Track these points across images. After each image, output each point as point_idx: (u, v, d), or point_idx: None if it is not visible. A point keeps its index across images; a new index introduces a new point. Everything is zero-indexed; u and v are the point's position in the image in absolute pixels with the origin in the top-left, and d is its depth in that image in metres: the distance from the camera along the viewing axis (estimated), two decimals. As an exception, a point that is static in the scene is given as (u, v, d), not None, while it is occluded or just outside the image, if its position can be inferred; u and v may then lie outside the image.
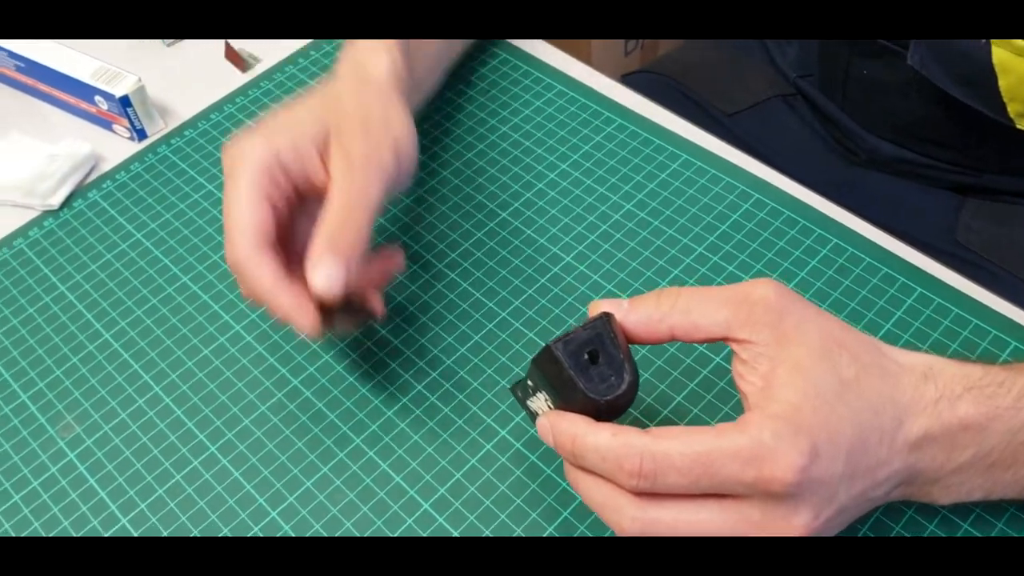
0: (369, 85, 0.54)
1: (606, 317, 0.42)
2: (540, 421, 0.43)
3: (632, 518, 0.39)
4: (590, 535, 0.49)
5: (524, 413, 0.52)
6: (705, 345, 0.55)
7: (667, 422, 0.53)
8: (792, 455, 0.37)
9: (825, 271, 0.59)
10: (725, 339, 0.42)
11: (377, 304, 0.52)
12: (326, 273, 0.46)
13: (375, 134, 0.50)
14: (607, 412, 0.42)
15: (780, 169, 0.65)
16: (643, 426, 0.45)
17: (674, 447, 0.38)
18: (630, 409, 0.52)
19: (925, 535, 0.48)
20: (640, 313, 0.43)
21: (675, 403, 0.53)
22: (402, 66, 0.57)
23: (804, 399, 0.39)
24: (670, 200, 0.63)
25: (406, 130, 0.52)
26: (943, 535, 0.48)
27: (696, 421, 0.53)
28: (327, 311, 0.48)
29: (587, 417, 0.41)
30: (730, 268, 0.59)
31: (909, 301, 0.56)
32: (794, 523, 0.38)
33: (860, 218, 0.61)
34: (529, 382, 0.46)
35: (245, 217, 0.48)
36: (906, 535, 0.48)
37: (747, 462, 0.37)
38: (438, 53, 0.65)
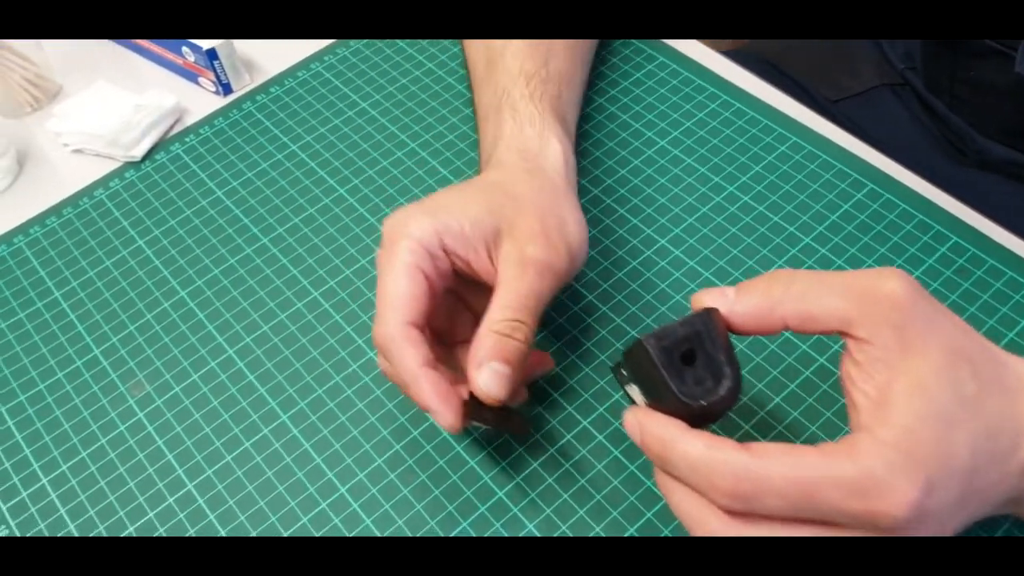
0: (544, 180, 0.51)
1: (708, 313, 0.39)
2: (628, 418, 0.40)
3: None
4: (674, 536, 0.46)
5: (620, 394, 0.50)
6: (812, 342, 0.52)
7: (763, 425, 0.49)
8: (906, 490, 0.34)
9: (943, 271, 0.54)
10: (841, 334, 0.38)
11: (521, 392, 0.49)
12: (492, 377, 0.44)
13: (553, 239, 0.47)
14: (701, 418, 0.38)
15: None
16: (737, 428, 0.42)
17: (775, 469, 0.35)
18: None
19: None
20: (748, 302, 0.39)
21: (773, 405, 0.50)
22: (569, 149, 0.54)
23: (923, 424, 0.35)
24: (776, 185, 0.59)
25: (581, 233, 0.50)
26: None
27: (796, 426, 0.49)
28: (472, 406, 0.45)
29: (679, 421, 0.38)
30: (838, 262, 0.55)
31: (1037, 309, 0.52)
32: None
33: (986, 216, 0.57)
34: (623, 371, 0.43)
35: (400, 290, 0.45)
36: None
37: (854, 493, 0.34)
38: (578, 101, 0.61)
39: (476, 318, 0.48)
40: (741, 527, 0.36)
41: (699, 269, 0.55)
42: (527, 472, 0.48)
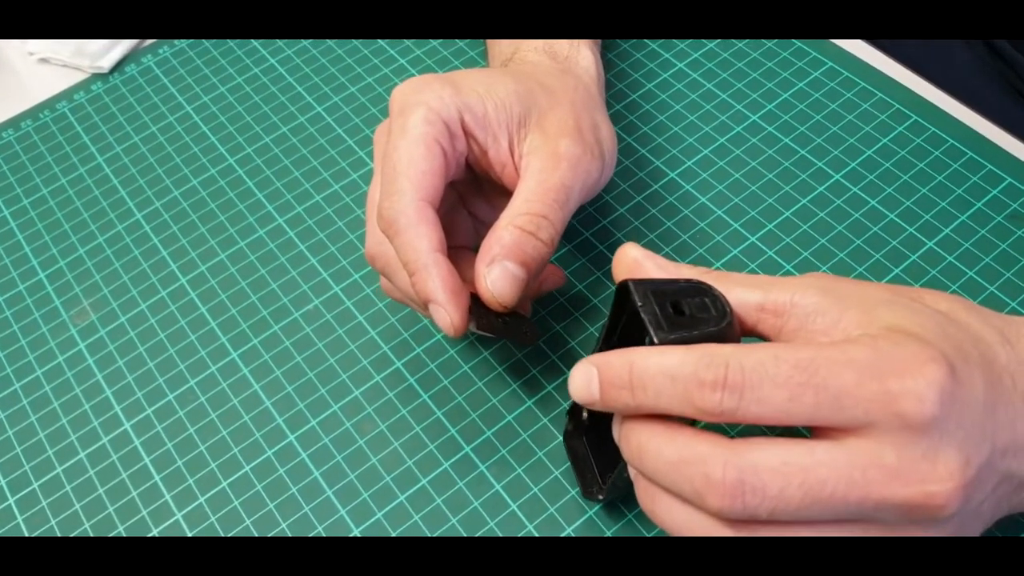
0: (577, 82, 0.44)
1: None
2: (578, 367, 0.31)
3: (725, 463, 0.28)
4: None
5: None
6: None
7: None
8: (924, 362, 0.28)
9: (993, 216, 0.47)
10: (760, 310, 0.32)
11: (525, 307, 0.42)
12: (503, 277, 0.37)
13: (587, 137, 0.41)
14: None
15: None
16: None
17: (769, 351, 0.28)
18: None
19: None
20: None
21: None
22: (600, 63, 0.47)
23: (903, 318, 0.30)
24: (806, 114, 0.52)
25: (614, 141, 0.44)
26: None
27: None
28: (473, 310, 0.38)
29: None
30: (873, 202, 0.48)
31: (1102, 263, 0.45)
32: (940, 469, 0.28)
33: (1046, 155, 0.49)
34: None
35: (417, 164, 0.37)
36: None
37: (866, 371, 0.28)
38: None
39: (476, 224, 0.42)
40: (745, 449, 0.28)
41: (711, 207, 0.49)
42: (540, 395, 0.43)
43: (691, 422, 0.31)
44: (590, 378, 0.31)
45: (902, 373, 0.28)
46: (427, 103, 0.38)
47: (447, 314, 0.36)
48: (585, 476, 0.39)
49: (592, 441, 0.39)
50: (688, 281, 0.32)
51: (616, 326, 0.34)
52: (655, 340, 0.30)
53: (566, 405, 0.43)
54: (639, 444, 0.30)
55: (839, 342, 0.29)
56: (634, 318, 0.31)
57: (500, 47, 0.48)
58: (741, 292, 0.32)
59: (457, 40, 0.58)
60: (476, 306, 0.38)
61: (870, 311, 0.31)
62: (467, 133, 0.39)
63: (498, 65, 0.47)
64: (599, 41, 0.51)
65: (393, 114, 0.39)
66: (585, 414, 0.39)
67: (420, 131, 0.38)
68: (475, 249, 0.39)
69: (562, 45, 0.46)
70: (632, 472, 0.33)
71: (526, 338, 0.40)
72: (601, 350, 0.35)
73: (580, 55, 0.46)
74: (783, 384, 0.28)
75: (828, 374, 0.28)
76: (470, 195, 0.43)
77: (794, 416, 0.28)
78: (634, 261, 0.34)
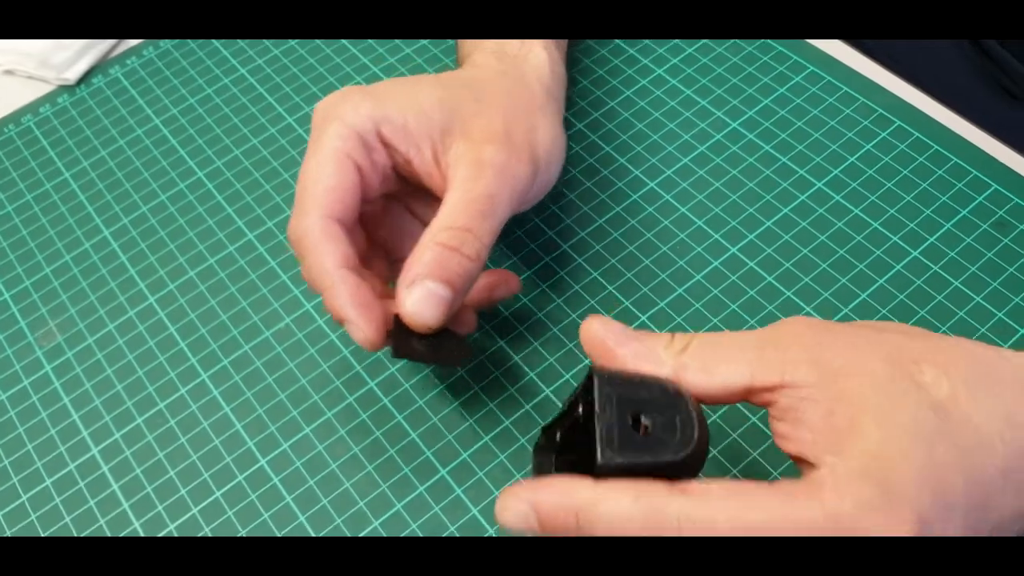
0: (517, 83, 0.43)
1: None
2: (509, 501, 0.30)
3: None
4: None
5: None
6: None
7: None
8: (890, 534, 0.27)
9: (979, 224, 0.46)
10: (749, 391, 0.31)
11: (470, 320, 0.41)
12: (423, 298, 0.36)
13: (516, 142, 0.40)
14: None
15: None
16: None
17: (721, 514, 0.27)
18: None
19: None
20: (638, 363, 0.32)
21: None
22: (557, 60, 0.46)
23: (886, 445, 0.28)
24: (787, 120, 0.51)
25: (553, 143, 0.42)
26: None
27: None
28: (397, 333, 0.37)
29: (582, 476, 0.29)
30: (856, 211, 0.47)
31: (1090, 271, 0.44)
32: None
33: (1032, 160, 0.48)
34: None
35: (324, 178, 0.38)
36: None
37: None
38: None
39: None
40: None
41: (691, 217, 0.48)
42: (518, 415, 0.41)
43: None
44: (527, 517, 0.29)
45: None
46: (341, 117, 0.39)
47: (358, 329, 0.36)
48: None
49: (562, 463, 0.38)
50: (665, 389, 0.30)
51: (577, 406, 0.32)
52: (599, 460, 0.29)
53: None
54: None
55: (803, 493, 0.27)
56: (592, 419, 0.30)
57: (464, 48, 0.47)
58: (728, 373, 0.31)
59: (439, 41, 0.57)
60: (399, 329, 0.37)
61: (856, 419, 0.28)
62: (386, 144, 0.39)
63: (461, 66, 0.47)
64: (563, 41, 0.49)
65: (312, 129, 0.40)
66: (559, 436, 0.38)
67: (331, 147, 0.38)
68: None
69: (512, 44, 0.45)
70: None
71: (454, 358, 0.38)
72: (558, 425, 0.34)
73: (531, 53, 0.45)
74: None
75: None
76: (417, 204, 0.42)
77: None
78: (602, 344, 0.32)
